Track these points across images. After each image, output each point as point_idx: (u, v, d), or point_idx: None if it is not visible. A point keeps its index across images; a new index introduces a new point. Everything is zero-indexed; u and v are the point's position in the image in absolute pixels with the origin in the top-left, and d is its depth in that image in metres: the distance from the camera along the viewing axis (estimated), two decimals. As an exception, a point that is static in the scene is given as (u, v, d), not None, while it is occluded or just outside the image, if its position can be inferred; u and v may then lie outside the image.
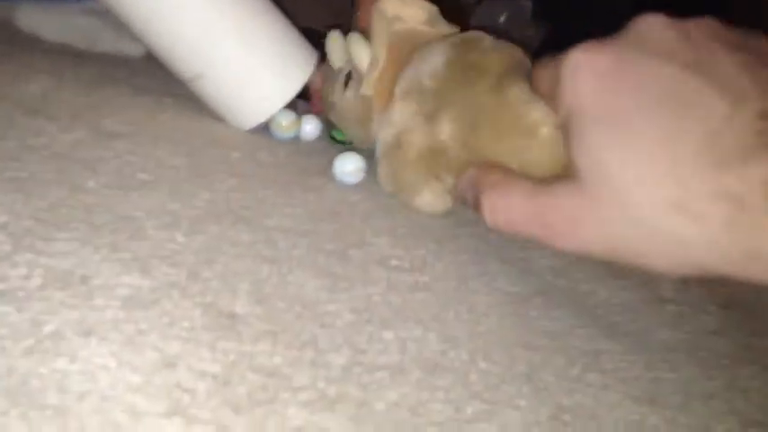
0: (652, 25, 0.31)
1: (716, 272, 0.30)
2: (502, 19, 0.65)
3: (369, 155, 0.46)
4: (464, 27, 0.45)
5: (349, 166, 0.45)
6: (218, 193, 0.39)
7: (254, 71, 0.47)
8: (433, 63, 0.41)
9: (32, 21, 0.57)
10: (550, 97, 0.34)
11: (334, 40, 0.48)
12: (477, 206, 0.36)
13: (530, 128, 0.36)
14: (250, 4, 0.47)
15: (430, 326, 0.32)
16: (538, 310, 0.36)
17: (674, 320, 0.39)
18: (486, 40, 0.42)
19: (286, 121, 0.48)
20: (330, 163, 0.45)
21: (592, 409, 0.30)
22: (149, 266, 0.31)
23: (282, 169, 0.44)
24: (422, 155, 0.41)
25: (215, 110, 0.48)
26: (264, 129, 0.49)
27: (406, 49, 0.44)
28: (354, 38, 0.46)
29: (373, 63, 0.45)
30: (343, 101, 0.48)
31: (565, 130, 0.32)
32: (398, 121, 0.42)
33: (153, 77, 0.53)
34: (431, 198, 0.43)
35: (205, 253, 0.33)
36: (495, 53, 0.40)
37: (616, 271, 0.42)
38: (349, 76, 0.47)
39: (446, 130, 0.40)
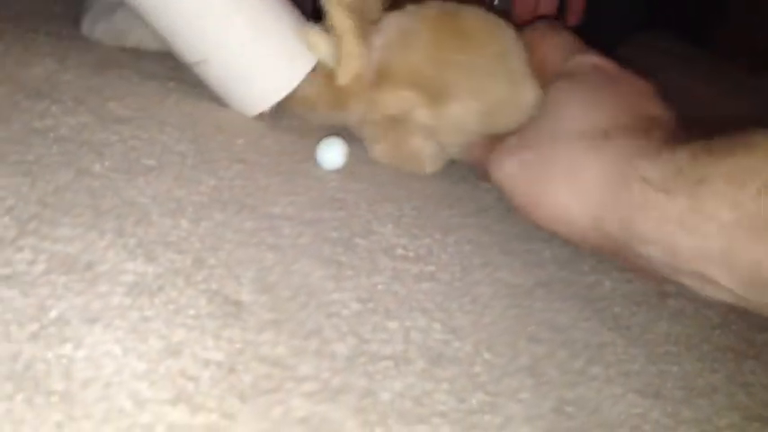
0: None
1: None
2: (496, 1, 0.64)
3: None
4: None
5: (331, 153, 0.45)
6: (222, 180, 0.39)
7: (259, 57, 0.46)
8: (418, 42, 0.43)
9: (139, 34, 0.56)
10: (543, 62, 0.43)
11: None
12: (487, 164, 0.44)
13: (527, 104, 0.43)
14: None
15: (434, 316, 0.32)
16: (541, 302, 0.36)
17: (677, 314, 0.39)
18: (464, 10, 0.45)
19: None
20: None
21: (595, 402, 0.30)
22: (154, 253, 0.31)
23: (287, 157, 0.44)
24: (427, 127, 0.45)
25: (220, 95, 0.48)
26: (269, 115, 0.48)
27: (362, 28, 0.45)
28: (311, 30, 0.45)
29: (348, 53, 0.44)
30: (304, 91, 0.47)
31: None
32: (396, 102, 0.44)
33: (158, 62, 0.52)
34: (434, 160, 0.47)
35: (210, 240, 0.33)
36: (481, 22, 0.45)
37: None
38: None
39: (455, 107, 0.44)
